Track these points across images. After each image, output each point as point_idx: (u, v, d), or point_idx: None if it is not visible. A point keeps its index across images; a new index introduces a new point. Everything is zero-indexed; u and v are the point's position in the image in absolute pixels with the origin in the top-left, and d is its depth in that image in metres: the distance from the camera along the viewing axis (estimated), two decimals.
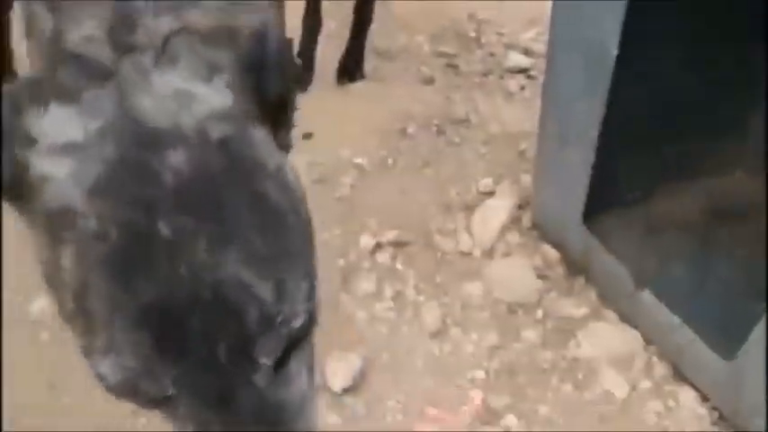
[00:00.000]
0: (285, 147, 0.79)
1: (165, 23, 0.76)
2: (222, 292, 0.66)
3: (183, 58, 0.73)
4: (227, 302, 0.66)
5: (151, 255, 0.65)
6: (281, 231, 0.71)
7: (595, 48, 1.62)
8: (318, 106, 2.26)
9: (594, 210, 1.83)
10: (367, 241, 1.90)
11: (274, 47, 0.74)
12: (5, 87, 0.73)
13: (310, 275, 0.74)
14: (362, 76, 2.42)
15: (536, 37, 2.70)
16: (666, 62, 1.71)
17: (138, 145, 0.68)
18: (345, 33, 2.47)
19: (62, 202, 0.68)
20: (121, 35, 0.75)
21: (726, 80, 1.83)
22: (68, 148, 0.69)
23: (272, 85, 0.74)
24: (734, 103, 1.83)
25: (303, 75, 2.34)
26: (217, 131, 0.70)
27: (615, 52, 1.59)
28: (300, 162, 2.18)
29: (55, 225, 0.69)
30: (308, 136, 2.15)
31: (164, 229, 0.65)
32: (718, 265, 1.84)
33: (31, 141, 0.70)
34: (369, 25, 2.40)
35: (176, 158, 0.67)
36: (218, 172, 0.68)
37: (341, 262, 1.88)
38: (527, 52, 2.62)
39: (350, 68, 2.40)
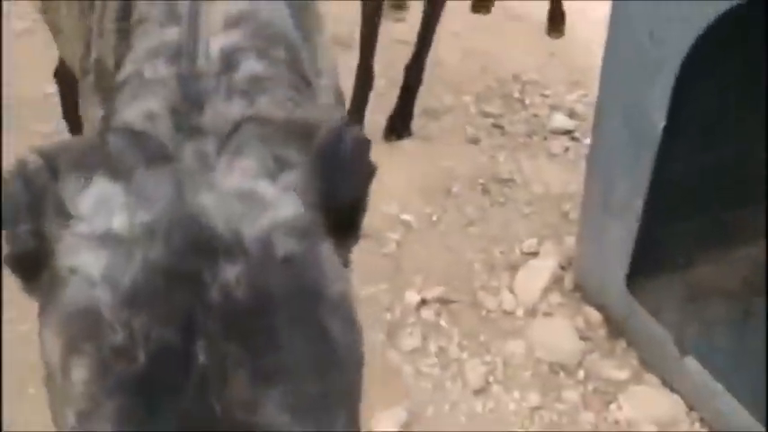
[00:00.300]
0: (347, 259, 0.70)
1: (236, 108, 0.70)
2: None
3: (250, 148, 0.66)
4: None
5: (181, 383, 0.56)
6: (335, 373, 0.62)
7: (642, 120, 1.68)
8: None
9: (637, 274, 1.87)
10: (412, 297, 1.95)
11: (351, 146, 0.67)
12: (43, 147, 0.65)
13: (355, 422, 0.64)
14: (410, 134, 2.49)
15: (579, 99, 2.77)
16: (712, 133, 1.76)
17: (190, 251, 0.59)
18: (394, 92, 2.56)
19: (87, 303, 0.58)
20: (186, 115, 0.69)
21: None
22: (108, 240, 0.60)
23: (344, 188, 0.67)
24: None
25: None
26: (282, 247, 0.61)
27: (662, 124, 1.64)
28: None
29: (73, 328, 0.59)
30: None
31: (201, 354, 0.56)
32: (760, 333, 1.85)
33: (64, 216, 0.61)
34: (418, 86, 2.49)
35: (231, 273, 0.58)
36: (277, 295, 0.59)
37: (387, 316, 1.93)
38: (571, 114, 2.69)
39: (398, 127, 2.48)
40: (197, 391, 0.56)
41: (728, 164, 1.88)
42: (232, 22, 0.79)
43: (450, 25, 2.79)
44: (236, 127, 0.67)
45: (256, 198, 0.63)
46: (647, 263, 1.87)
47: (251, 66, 0.76)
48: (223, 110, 0.70)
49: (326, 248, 0.65)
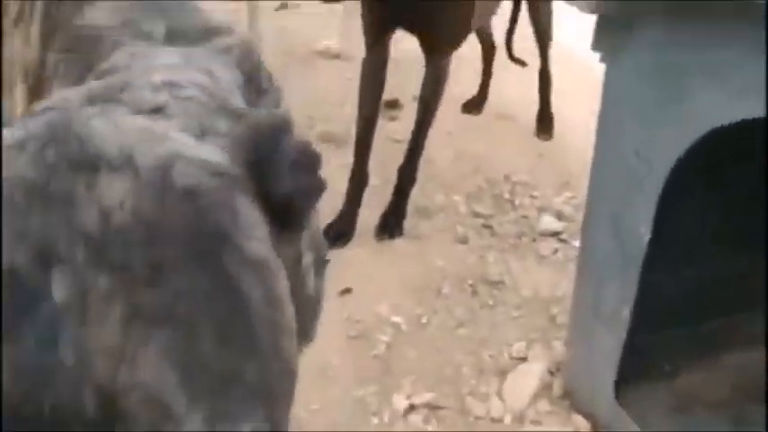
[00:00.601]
0: (283, 254, 0.58)
1: (162, 97, 0.60)
2: (122, 404, 0.43)
3: (172, 115, 0.57)
4: (126, 425, 0.43)
5: (23, 321, 0.44)
6: (248, 348, 0.49)
7: (629, 232, 1.71)
8: (357, 262, 2.36)
9: (626, 382, 1.87)
10: (400, 402, 1.94)
11: (290, 141, 0.58)
12: None
13: (276, 425, 0.50)
14: (401, 234, 2.52)
15: (567, 201, 2.82)
16: (699, 242, 1.80)
17: (63, 167, 0.48)
18: (386, 191, 2.60)
19: None
20: (103, 93, 0.59)
21: (755, 257, 1.91)
22: None
23: (280, 183, 0.57)
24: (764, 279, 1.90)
25: (345, 230, 2.45)
26: (185, 177, 0.50)
27: (647, 237, 1.68)
28: (338, 318, 2.26)
29: None
30: (346, 291, 2.23)
31: (58, 285, 0.45)
32: None
33: None
34: (412, 186, 2.53)
35: (114, 194, 0.48)
36: (171, 227, 0.48)
37: (374, 421, 1.91)
38: (559, 216, 2.73)
39: (390, 226, 2.50)
40: (44, 334, 0.43)
41: (713, 276, 1.92)
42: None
43: (443, 125, 2.86)
44: (159, 108, 0.58)
45: (163, 135, 0.53)
46: (635, 371, 1.88)
47: (191, 91, 0.63)
48: (147, 96, 0.59)
49: (248, 202, 0.53)
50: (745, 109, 1.39)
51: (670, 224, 1.70)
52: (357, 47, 2.63)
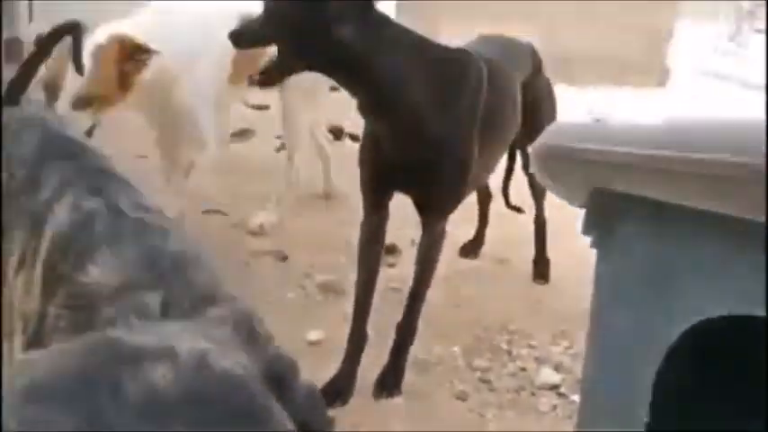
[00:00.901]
0: None
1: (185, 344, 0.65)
2: None
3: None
4: None
5: None
6: None
7: (626, 413, 1.72)
8: (356, 422, 2.35)
9: None
10: None
11: (300, 381, 0.66)
12: None
13: None
14: (399, 393, 2.49)
15: (565, 351, 2.83)
16: (698, 404, 1.80)
17: (109, 360, 0.56)
18: (383, 343, 2.60)
19: None
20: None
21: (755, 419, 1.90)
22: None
23: (295, 414, 0.63)
24: None
25: (343, 388, 2.44)
26: (222, 362, 0.59)
27: (646, 420, 1.68)
28: None
29: None
30: None
31: None
32: None
33: None
34: (410, 344, 2.52)
35: (157, 372, 0.55)
36: (211, 393, 0.56)
37: None
38: (557, 367, 2.73)
39: (388, 385, 2.48)
40: None
41: None
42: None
43: (439, 270, 2.88)
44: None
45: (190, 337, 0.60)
46: None
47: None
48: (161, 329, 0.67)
49: (274, 400, 0.60)
50: (736, 306, 1.42)
51: (667, 401, 1.71)
52: (355, 190, 2.63)
